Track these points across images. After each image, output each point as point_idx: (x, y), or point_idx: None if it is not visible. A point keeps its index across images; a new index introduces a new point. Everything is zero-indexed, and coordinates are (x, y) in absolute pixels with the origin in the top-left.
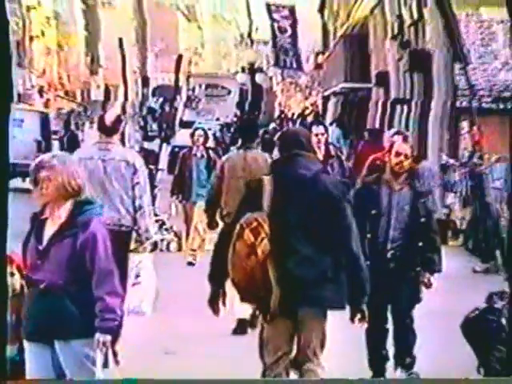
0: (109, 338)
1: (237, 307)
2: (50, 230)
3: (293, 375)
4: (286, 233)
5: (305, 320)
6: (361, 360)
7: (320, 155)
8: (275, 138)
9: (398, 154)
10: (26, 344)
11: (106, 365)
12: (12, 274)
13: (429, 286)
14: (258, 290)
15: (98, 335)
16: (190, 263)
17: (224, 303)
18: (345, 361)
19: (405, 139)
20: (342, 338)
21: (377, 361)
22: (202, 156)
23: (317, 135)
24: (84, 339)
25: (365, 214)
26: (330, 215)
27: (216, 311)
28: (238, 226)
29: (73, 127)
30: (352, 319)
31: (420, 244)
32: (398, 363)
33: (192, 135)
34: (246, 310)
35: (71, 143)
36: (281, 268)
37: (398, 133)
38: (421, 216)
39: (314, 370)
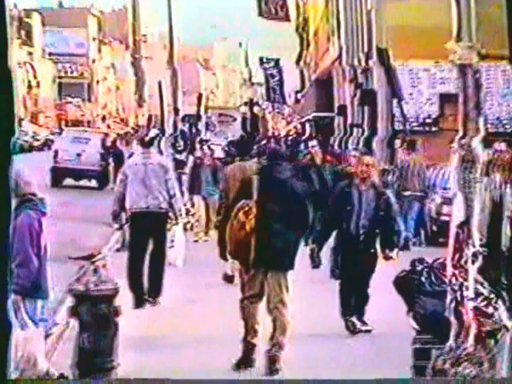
0: (19, 297)
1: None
2: None
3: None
4: (266, 215)
5: (274, 275)
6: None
7: (318, 160)
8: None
9: (364, 164)
10: None
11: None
12: None
13: (389, 258)
14: (243, 252)
15: (12, 296)
16: (196, 240)
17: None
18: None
19: (362, 154)
20: (316, 294)
21: (346, 309)
22: (209, 164)
23: (313, 146)
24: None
25: (342, 209)
26: (295, 205)
27: (226, 260)
28: (235, 209)
29: (118, 144)
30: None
31: (380, 230)
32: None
33: (201, 149)
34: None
35: (117, 155)
36: (260, 238)
37: (356, 149)
38: (381, 209)
39: (279, 315)
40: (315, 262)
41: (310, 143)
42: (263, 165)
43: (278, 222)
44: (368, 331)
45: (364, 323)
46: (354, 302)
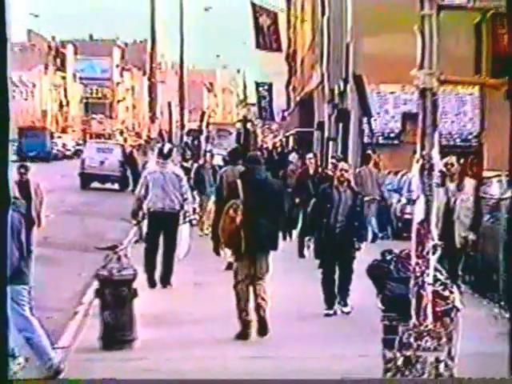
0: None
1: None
2: None
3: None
4: (252, 210)
5: (257, 257)
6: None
7: (311, 170)
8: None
9: (341, 170)
10: None
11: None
12: None
13: (359, 249)
14: (235, 242)
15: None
16: (201, 235)
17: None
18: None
19: (339, 160)
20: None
21: (329, 298)
22: (210, 168)
23: (310, 159)
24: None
25: (323, 207)
26: (274, 200)
27: (218, 254)
28: (226, 207)
29: (135, 154)
30: None
31: (355, 224)
32: (339, 298)
33: (204, 155)
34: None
35: (132, 163)
36: (248, 229)
37: (333, 157)
38: (357, 206)
39: (262, 283)
40: (301, 253)
41: (308, 155)
42: (244, 170)
43: (261, 214)
44: (347, 313)
45: (345, 305)
46: (336, 287)
